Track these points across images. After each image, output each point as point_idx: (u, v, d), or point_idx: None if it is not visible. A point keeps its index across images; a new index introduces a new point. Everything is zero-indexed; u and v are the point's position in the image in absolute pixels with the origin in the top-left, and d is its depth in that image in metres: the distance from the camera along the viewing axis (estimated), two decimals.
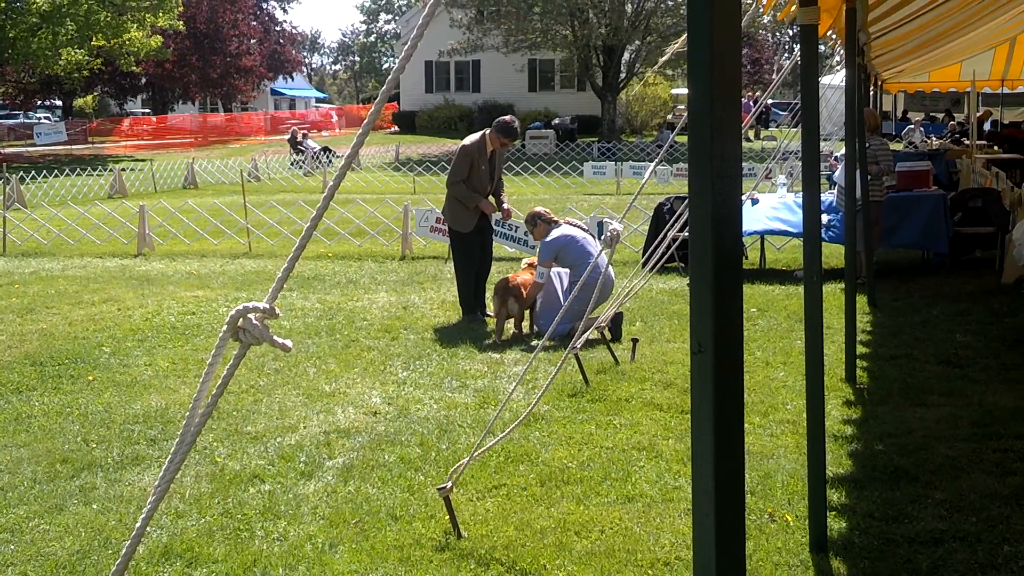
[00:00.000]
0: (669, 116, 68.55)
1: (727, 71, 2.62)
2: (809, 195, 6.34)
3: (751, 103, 49.21)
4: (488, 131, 13.16)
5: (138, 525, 3.47)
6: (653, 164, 9.32)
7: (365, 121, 3.27)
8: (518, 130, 13.27)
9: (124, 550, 3.54)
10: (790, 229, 16.01)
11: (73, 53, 55.23)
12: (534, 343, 12.00)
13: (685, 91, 66.78)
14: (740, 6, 2.68)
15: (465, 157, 12.96)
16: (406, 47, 3.20)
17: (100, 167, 43.47)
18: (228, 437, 8.83)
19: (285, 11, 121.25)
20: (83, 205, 27.61)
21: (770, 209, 16.20)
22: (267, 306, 3.30)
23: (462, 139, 13.41)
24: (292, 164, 44.97)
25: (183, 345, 12.33)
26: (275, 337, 3.36)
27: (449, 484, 6.80)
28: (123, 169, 38.38)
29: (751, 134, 59.32)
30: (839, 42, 10.80)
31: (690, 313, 2.74)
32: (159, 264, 19.06)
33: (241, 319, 3.32)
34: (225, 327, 3.34)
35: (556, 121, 61.86)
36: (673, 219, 12.44)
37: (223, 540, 6.76)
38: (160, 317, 13.96)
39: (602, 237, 8.52)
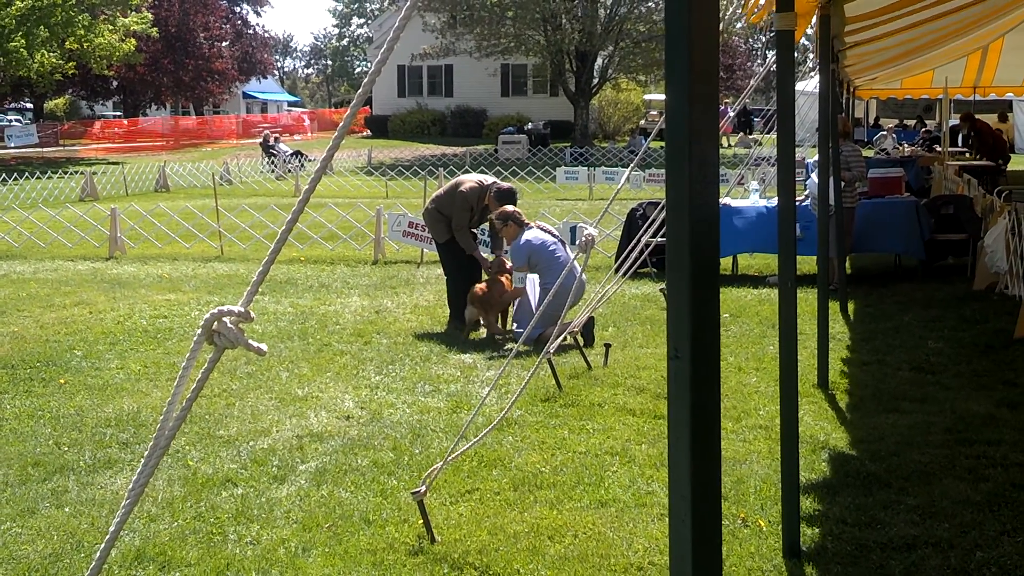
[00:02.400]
0: (642, 122, 68.66)
1: (705, 74, 2.62)
2: (784, 201, 6.35)
3: (728, 109, 49.30)
4: (489, 186, 13.08)
5: (112, 528, 3.46)
6: (628, 169, 9.32)
7: (340, 125, 3.27)
8: (517, 199, 13.17)
9: (98, 554, 3.52)
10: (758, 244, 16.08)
11: (47, 57, 54.95)
12: (508, 347, 12.02)
13: (658, 97, 67.13)
14: (718, 8, 2.68)
15: (465, 204, 12.95)
16: (382, 51, 3.20)
17: (71, 170, 43.26)
18: (200, 441, 8.80)
19: (258, 14, 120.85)
20: (54, 208, 27.52)
21: (747, 223, 16.15)
22: (242, 310, 3.28)
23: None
24: (265, 168, 44.82)
25: (155, 348, 12.29)
26: (250, 341, 3.34)
27: (423, 488, 6.78)
28: (94, 172, 38.17)
29: (732, 140, 59.37)
30: (812, 48, 10.83)
31: (667, 319, 2.74)
32: (130, 267, 18.98)
33: (216, 323, 3.30)
34: (199, 330, 3.33)
35: (529, 126, 61.75)
36: (646, 224, 12.48)
37: (196, 544, 6.74)
38: (132, 320, 13.91)
39: (577, 242, 8.51)
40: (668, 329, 2.72)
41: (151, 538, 6.83)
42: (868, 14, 10.21)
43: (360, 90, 3.35)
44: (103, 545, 3.49)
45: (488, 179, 13.26)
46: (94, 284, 17.07)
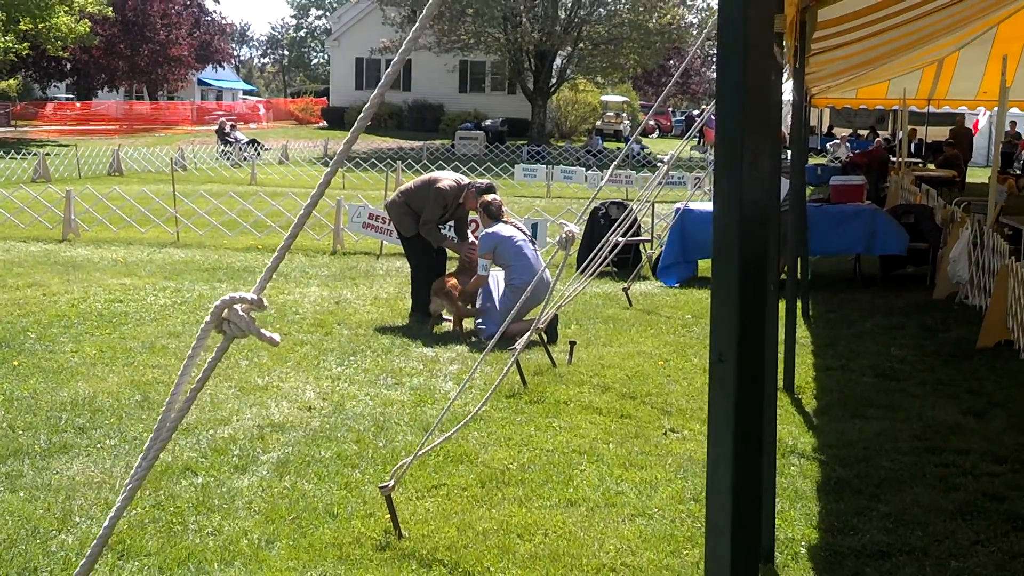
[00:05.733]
0: (599, 122, 68.90)
1: (759, 68, 2.54)
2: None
3: (694, 114, 49.39)
4: (466, 185, 12.92)
5: (105, 526, 3.33)
6: (607, 169, 9.23)
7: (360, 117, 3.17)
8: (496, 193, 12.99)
9: (90, 549, 3.40)
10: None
11: (3, 41, 54.48)
12: (472, 340, 11.94)
13: (615, 98, 67.40)
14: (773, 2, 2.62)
15: (440, 200, 12.71)
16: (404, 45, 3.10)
17: (24, 151, 42.75)
18: None
19: (216, 0, 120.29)
20: (7, 188, 27.13)
21: (709, 228, 16.09)
22: (255, 297, 3.16)
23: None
24: (220, 155, 44.58)
25: (110, 333, 12.08)
26: (262, 330, 3.22)
27: (391, 483, 6.67)
28: (47, 154, 37.73)
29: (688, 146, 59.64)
30: (785, 55, 10.80)
31: (711, 321, 2.64)
32: (84, 250, 18.73)
33: (226, 310, 3.18)
34: (209, 317, 3.21)
35: (486, 123, 61.81)
36: (616, 225, 12.44)
37: (155, 533, 6.60)
38: (86, 304, 13.69)
39: (557, 239, 8.42)
40: (712, 332, 2.62)
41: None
42: (838, 19, 10.19)
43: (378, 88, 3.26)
44: (99, 535, 3.36)
45: (465, 179, 13.13)
46: (47, 266, 16.80)
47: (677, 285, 15.92)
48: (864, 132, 52.07)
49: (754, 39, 2.58)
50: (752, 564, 2.75)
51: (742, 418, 2.61)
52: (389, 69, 3.38)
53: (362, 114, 3.41)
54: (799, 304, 11.83)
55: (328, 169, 3.45)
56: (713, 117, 30.46)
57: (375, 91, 3.41)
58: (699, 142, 58.27)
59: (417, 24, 3.33)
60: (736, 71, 2.57)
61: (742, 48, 2.55)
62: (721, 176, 2.63)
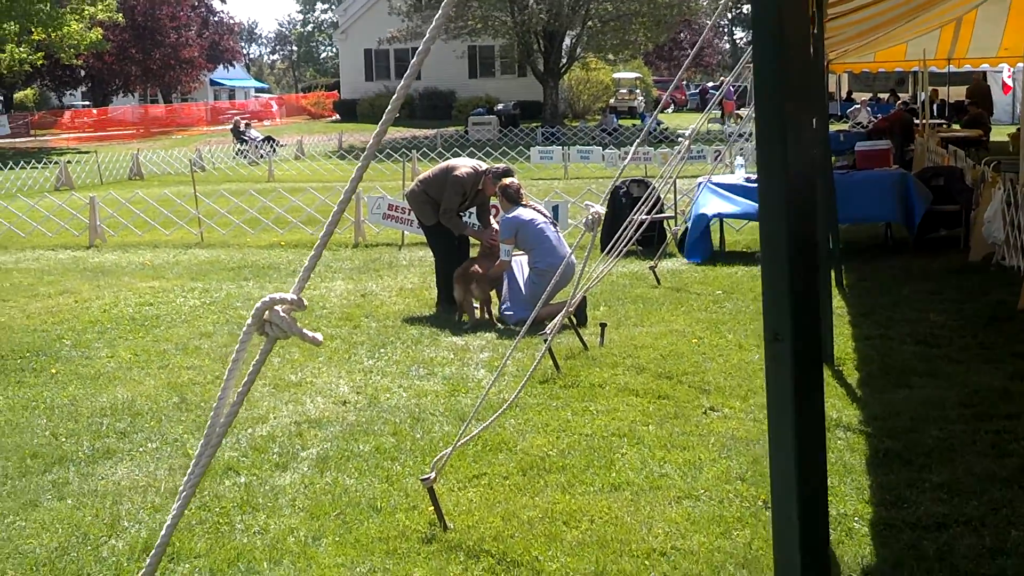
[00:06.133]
0: (611, 100, 68.66)
1: (797, 42, 2.47)
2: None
3: (708, 86, 49.16)
4: (484, 171, 12.83)
5: (163, 535, 3.29)
6: (636, 143, 9.16)
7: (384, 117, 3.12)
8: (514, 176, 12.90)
9: (150, 558, 3.36)
10: (747, 211, 15.88)
11: (18, 52, 54.69)
12: (499, 327, 11.89)
13: (627, 75, 67.04)
14: None
15: (459, 188, 12.64)
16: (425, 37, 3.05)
17: (45, 159, 42.86)
18: (199, 429, 8.62)
19: (223, 0, 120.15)
20: (31, 197, 27.23)
21: (724, 191, 16.06)
22: (295, 297, 3.12)
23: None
24: (237, 154, 44.61)
25: (143, 336, 12.11)
26: (304, 330, 3.17)
27: (433, 474, 6.62)
28: (68, 161, 37.92)
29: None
30: None
31: (763, 301, 2.58)
32: (112, 255, 18.83)
33: (268, 311, 3.13)
34: (250, 320, 3.17)
35: (499, 107, 61.56)
36: (639, 204, 12.36)
37: (203, 534, 6.59)
38: (118, 308, 13.75)
39: (584, 220, 8.35)
40: (765, 311, 2.56)
41: (157, 529, 6.65)
42: None
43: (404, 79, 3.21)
44: (157, 544, 3.32)
45: (482, 165, 13.04)
46: (77, 273, 16.91)
47: (699, 261, 15.73)
48: (884, 95, 51.83)
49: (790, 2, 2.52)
50: (821, 545, 2.70)
51: (802, 397, 2.55)
52: (414, 59, 3.36)
53: (390, 107, 3.40)
54: (832, 274, 11.72)
55: (360, 164, 3.43)
56: (731, 89, 30.35)
57: (401, 83, 3.40)
58: (720, 115, 58.03)
59: (440, 12, 3.29)
60: (774, 37, 2.50)
61: (778, 13, 2.48)
62: (764, 148, 2.55)
